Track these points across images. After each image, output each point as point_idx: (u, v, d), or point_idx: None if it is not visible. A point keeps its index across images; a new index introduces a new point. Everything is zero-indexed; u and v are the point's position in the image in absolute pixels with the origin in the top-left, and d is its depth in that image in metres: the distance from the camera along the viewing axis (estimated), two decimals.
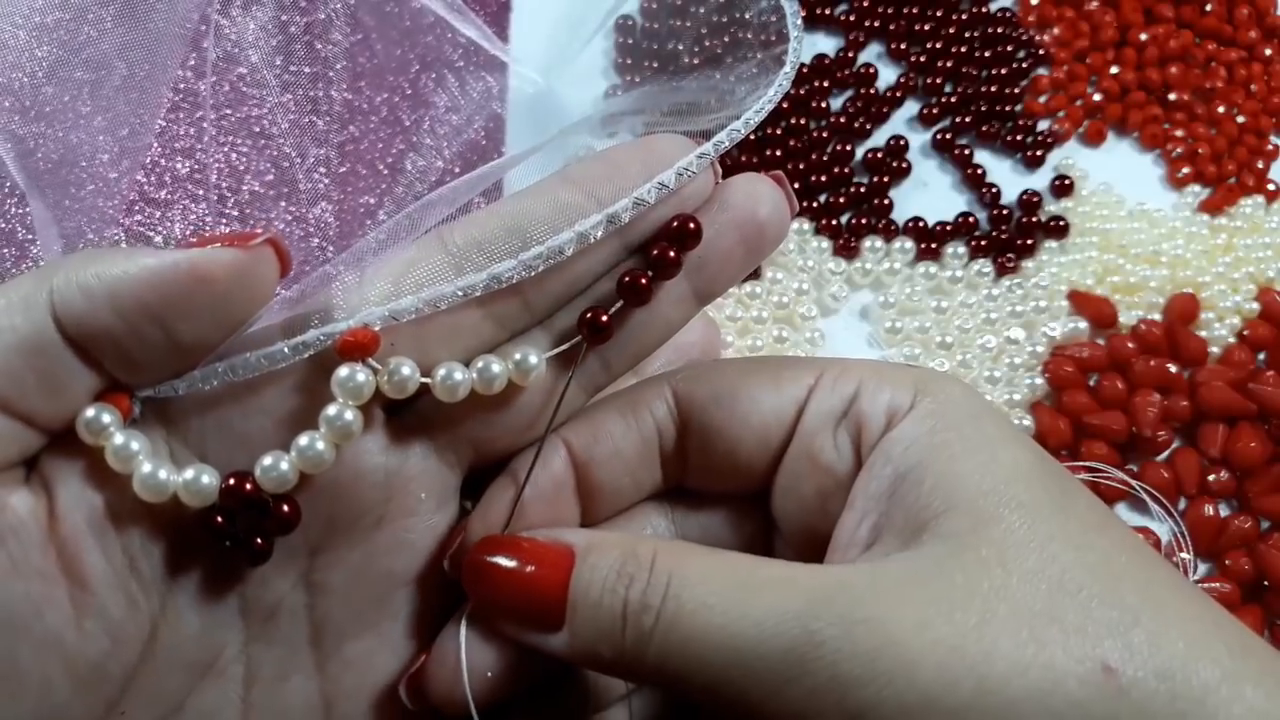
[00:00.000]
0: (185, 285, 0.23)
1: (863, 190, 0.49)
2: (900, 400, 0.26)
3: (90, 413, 0.23)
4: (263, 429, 0.25)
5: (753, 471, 0.28)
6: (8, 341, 0.22)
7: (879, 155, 0.49)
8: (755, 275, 0.46)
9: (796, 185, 0.48)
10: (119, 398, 0.24)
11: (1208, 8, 0.53)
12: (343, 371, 0.25)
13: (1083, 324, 0.46)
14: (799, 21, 0.31)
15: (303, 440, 0.25)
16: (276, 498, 0.25)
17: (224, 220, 0.45)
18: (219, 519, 0.25)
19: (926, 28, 0.53)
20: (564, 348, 0.26)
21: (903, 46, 0.52)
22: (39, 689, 0.23)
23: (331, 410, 0.25)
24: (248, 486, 0.24)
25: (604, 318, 0.26)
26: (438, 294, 0.25)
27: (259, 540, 0.25)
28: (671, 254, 0.26)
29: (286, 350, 0.24)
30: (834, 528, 0.26)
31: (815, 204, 0.49)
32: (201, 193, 0.45)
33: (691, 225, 0.26)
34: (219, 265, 0.23)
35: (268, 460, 0.25)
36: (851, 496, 0.26)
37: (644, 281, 0.26)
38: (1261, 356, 0.46)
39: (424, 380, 0.25)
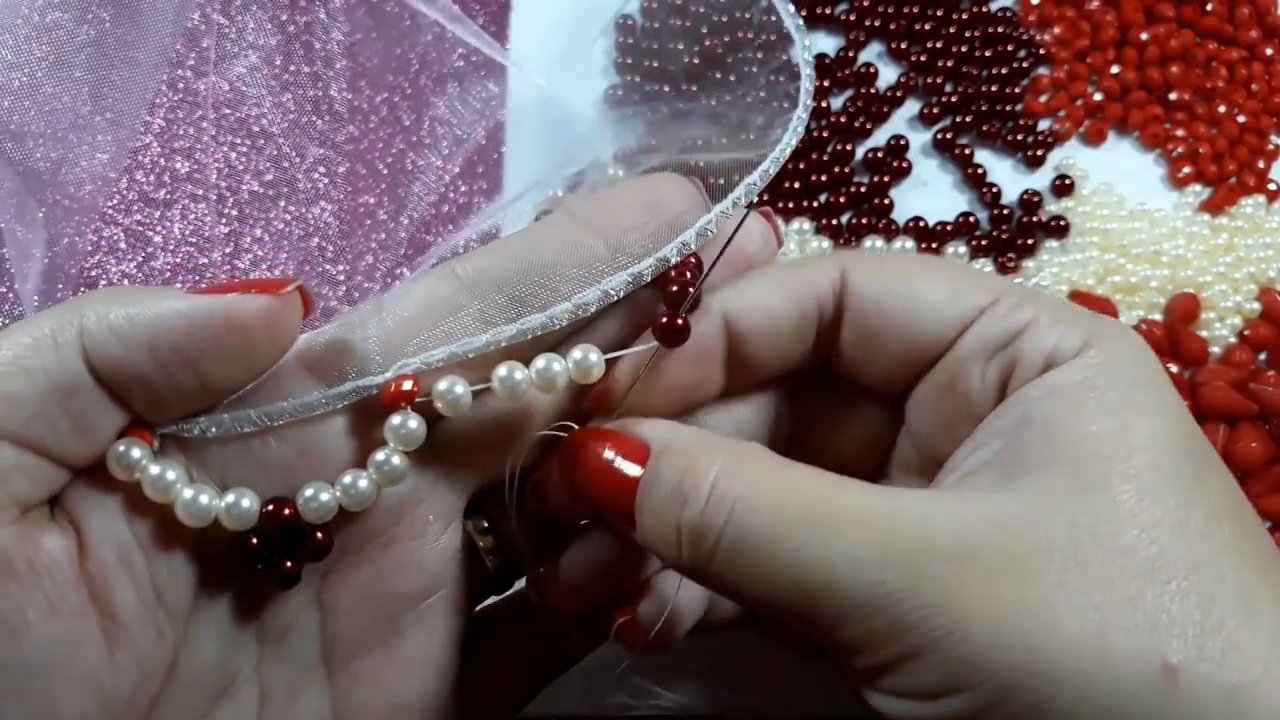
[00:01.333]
0: (219, 332, 0.24)
1: (863, 190, 0.49)
2: (1066, 347, 0.25)
3: (121, 448, 0.24)
4: (282, 456, 0.26)
5: (900, 374, 0.27)
6: (41, 385, 0.23)
7: (879, 155, 0.49)
8: None
9: (796, 185, 0.48)
10: (142, 433, 0.25)
11: (1208, 7, 0.53)
12: (395, 419, 0.25)
13: None
14: (811, 72, 0.31)
15: (347, 478, 0.26)
16: (313, 526, 0.26)
17: (223, 220, 0.45)
18: (254, 541, 0.25)
19: (927, 27, 0.53)
20: (641, 349, 0.27)
21: (903, 46, 0.52)
22: None
23: (381, 455, 0.26)
24: (287, 512, 0.25)
25: (680, 321, 0.26)
26: (469, 345, 0.26)
27: (289, 564, 0.26)
28: (680, 322, 0.26)
29: (322, 400, 0.25)
30: (952, 451, 0.26)
31: (815, 204, 0.49)
32: (201, 192, 0.45)
33: (680, 322, 0.26)
34: (250, 313, 0.24)
35: (310, 491, 0.25)
36: (976, 431, 0.25)
37: (681, 323, 0.26)
38: (1262, 357, 0.46)
39: (484, 387, 0.26)
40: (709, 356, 0.27)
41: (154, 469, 0.24)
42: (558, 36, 0.51)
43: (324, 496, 0.25)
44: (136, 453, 0.24)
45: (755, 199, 0.28)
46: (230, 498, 0.25)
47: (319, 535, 0.26)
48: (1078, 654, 0.20)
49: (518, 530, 0.27)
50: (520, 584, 0.31)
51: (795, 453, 0.26)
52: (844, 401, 0.29)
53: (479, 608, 0.31)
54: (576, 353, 0.26)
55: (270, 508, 0.25)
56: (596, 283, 0.26)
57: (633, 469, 0.24)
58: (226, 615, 0.26)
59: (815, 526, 0.22)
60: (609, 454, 0.25)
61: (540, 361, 0.26)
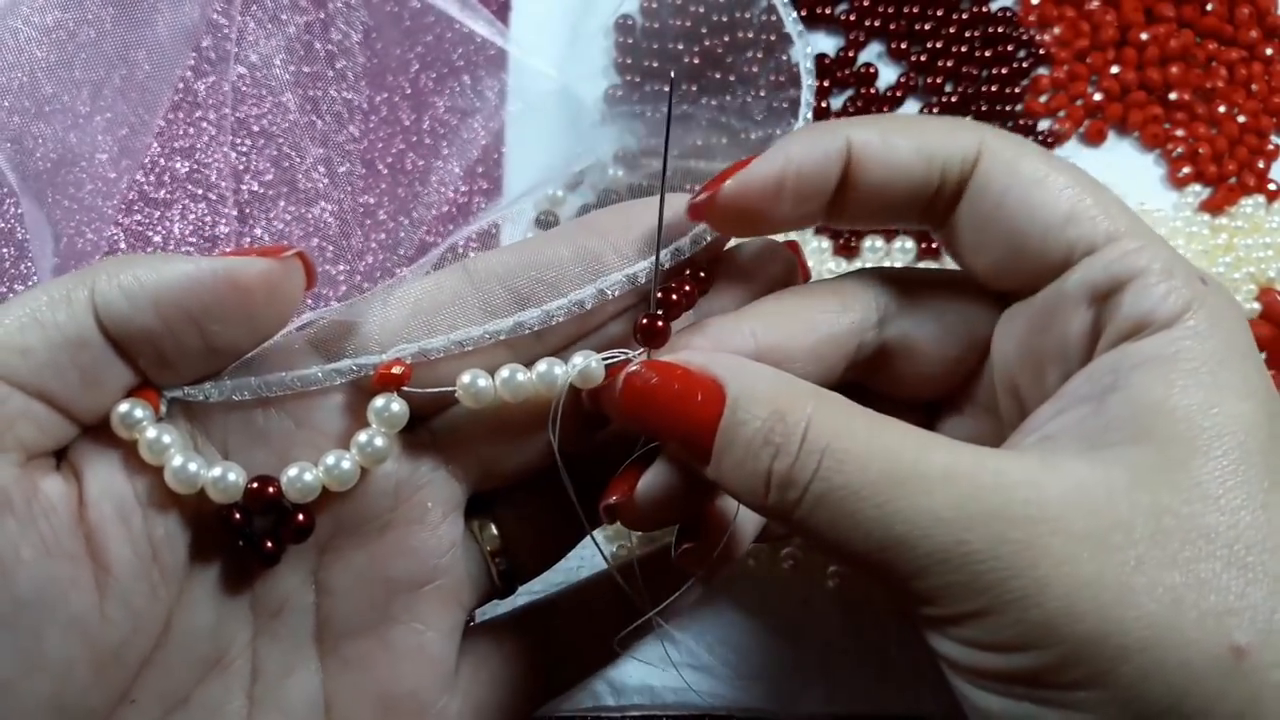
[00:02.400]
0: (222, 291, 0.25)
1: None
2: (1166, 310, 0.24)
3: (124, 407, 0.25)
4: (282, 426, 0.27)
5: (1001, 277, 0.27)
6: (52, 337, 0.24)
7: None
8: None
9: None
10: (149, 394, 0.26)
11: (1208, 7, 0.53)
12: (379, 401, 0.26)
13: None
14: (812, 82, 0.32)
15: (330, 459, 0.26)
16: (295, 506, 0.26)
17: (223, 220, 0.45)
18: (238, 515, 0.26)
19: (927, 27, 0.53)
20: (622, 356, 0.27)
21: (903, 46, 0.52)
22: (61, 671, 0.24)
23: (363, 436, 0.26)
24: (270, 490, 0.26)
25: (659, 323, 0.26)
26: (466, 335, 0.26)
27: (270, 544, 0.26)
28: (661, 324, 0.27)
29: (320, 375, 0.26)
30: (1037, 397, 0.26)
31: None
32: (201, 192, 0.45)
33: (661, 325, 0.27)
34: (253, 274, 0.25)
35: (294, 470, 0.26)
36: (1063, 389, 0.25)
37: (660, 325, 0.27)
38: (1263, 356, 0.46)
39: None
40: (824, 171, 0.26)
41: (151, 432, 0.25)
42: (558, 36, 0.51)
43: (307, 476, 0.26)
44: (139, 413, 0.25)
45: None
46: (218, 470, 0.25)
47: (300, 517, 0.26)
48: (1150, 630, 0.21)
49: (571, 492, 0.27)
50: (521, 588, 0.31)
51: (875, 377, 0.28)
52: (933, 316, 0.29)
53: (488, 618, 0.32)
54: (578, 358, 0.26)
55: (255, 485, 0.26)
56: (593, 281, 0.27)
57: (709, 410, 0.24)
58: (222, 584, 0.27)
59: (901, 484, 0.22)
60: (682, 391, 0.24)
61: (541, 365, 0.26)
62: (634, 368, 0.26)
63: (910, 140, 0.26)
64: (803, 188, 0.26)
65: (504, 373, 0.26)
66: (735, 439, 0.24)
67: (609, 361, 0.27)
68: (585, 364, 0.26)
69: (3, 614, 0.23)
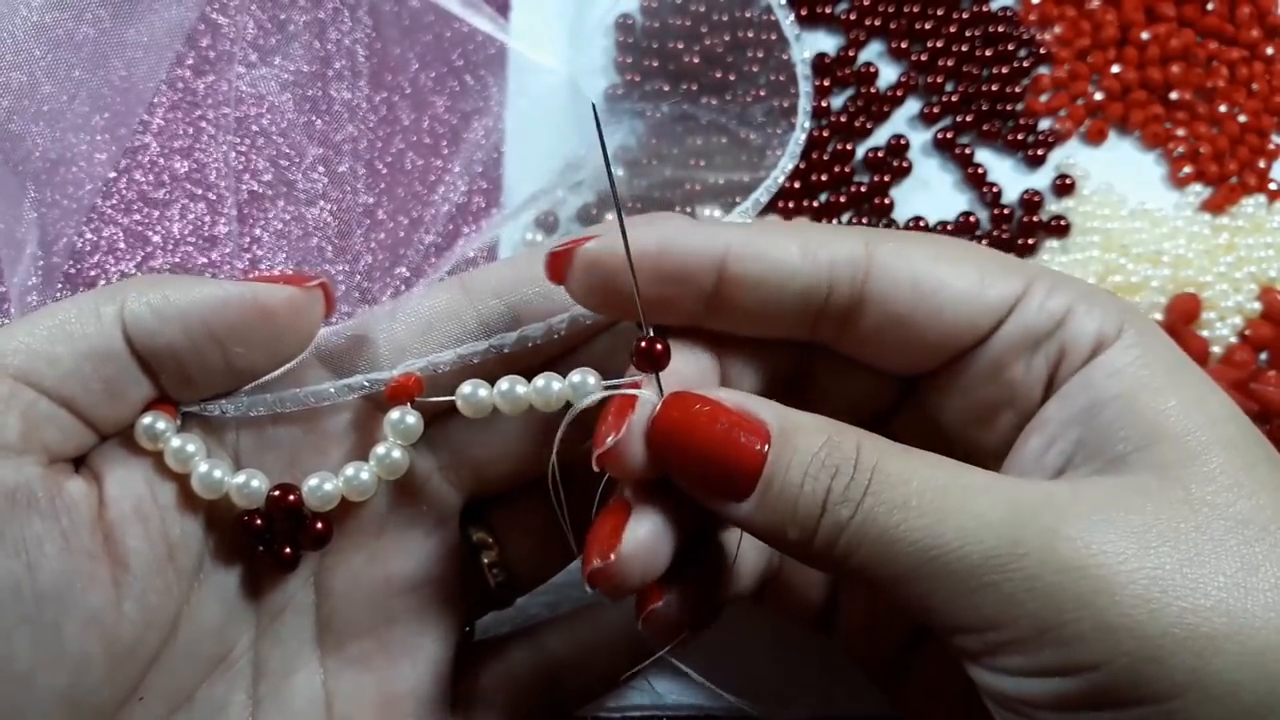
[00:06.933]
0: (248, 313, 0.26)
1: (863, 190, 0.49)
2: (1109, 328, 0.25)
3: (147, 420, 0.26)
4: (290, 434, 0.28)
5: (925, 361, 0.27)
6: (80, 348, 0.25)
7: (880, 154, 0.49)
8: None
9: (797, 184, 0.48)
10: (167, 408, 0.27)
11: (1209, 7, 0.53)
12: (394, 414, 0.27)
13: None
14: (809, 88, 0.32)
15: (350, 470, 0.27)
16: (314, 513, 0.27)
17: (223, 219, 0.45)
18: (259, 521, 0.27)
19: (927, 26, 0.52)
20: (621, 381, 0.26)
21: (903, 45, 0.52)
22: (78, 665, 0.24)
23: (381, 449, 0.27)
24: (291, 498, 0.27)
25: (659, 346, 0.26)
26: (472, 350, 0.27)
27: (288, 550, 0.27)
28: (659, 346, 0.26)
29: (333, 391, 0.27)
30: (991, 440, 0.26)
31: (815, 204, 0.48)
32: (200, 192, 0.45)
33: (659, 346, 0.26)
34: (279, 299, 0.26)
35: (314, 480, 0.27)
36: (1040, 419, 0.25)
37: (660, 348, 0.26)
38: (1264, 356, 0.46)
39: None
40: (693, 280, 0.25)
41: (175, 441, 0.26)
42: (558, 35, 0.50)
43: (328, 486, 0.27)
44: (161, 425, 0.26)
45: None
46: (242, 478, 0.27)
47: (319, 525, 0.27)
48: (1227, 618, 0.21)
49: (563, 517, 0.27)
50: (532, 593, 0.31)
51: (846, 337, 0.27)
52: (834, 377, 0.28)
53: (492, 635, 0.32)
54: (575, 376, 0.26)
55: (277, 492, 0.27)
56: None
57: (752, 445, 0.24)
58: (230, 585, 0.28)
59: (945, 495, 0.22)
60: (728, 426, 0.24)
61: (540, 380, 0.27)
62: (656, 400, 0.25)
63: (794, 239, 0.26)
64: (674, 264, 0.25)
65: (503, 385, 0.26)
66: (791, 467, 0.23)
67: (610, 385, 0.26)
68: (583, 380, 0.26)
69: (25, 608, 0.23)
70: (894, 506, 0.22)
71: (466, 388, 0.26)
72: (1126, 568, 0.21)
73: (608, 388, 0.26)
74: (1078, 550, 0.21)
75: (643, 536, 0.24)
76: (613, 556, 0.24)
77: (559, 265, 0.26)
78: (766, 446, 0.24)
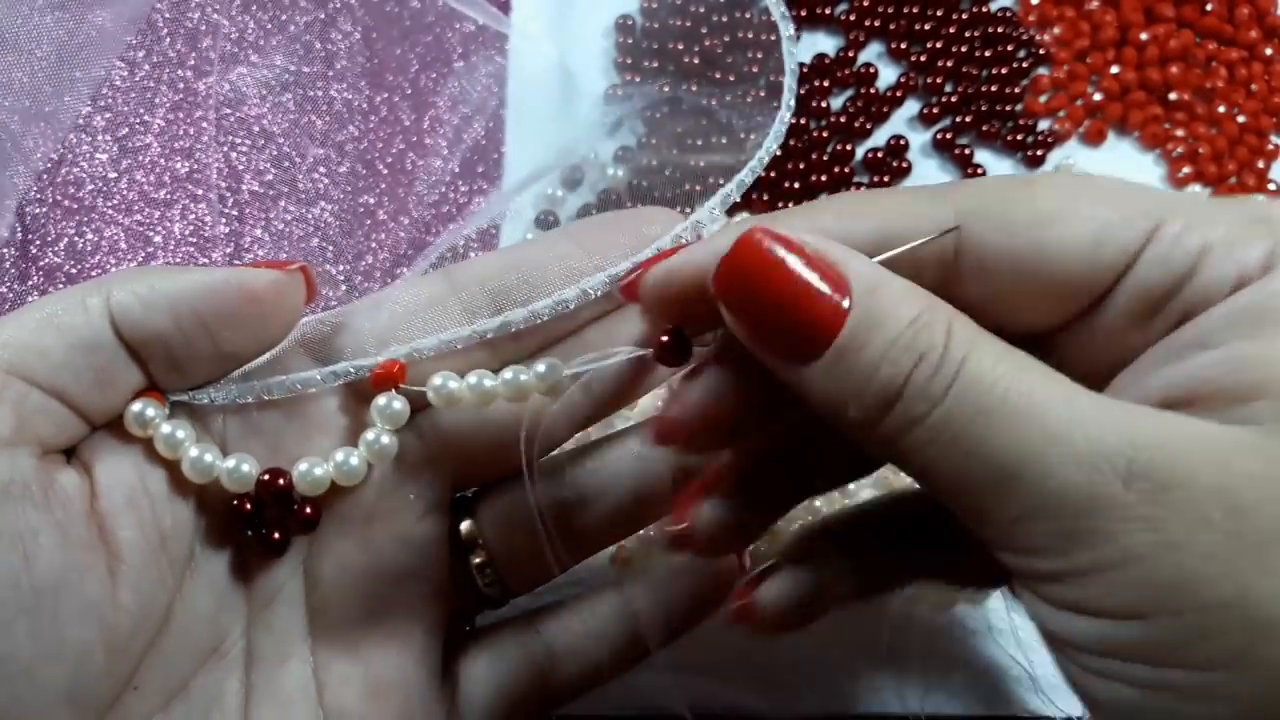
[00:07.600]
0: (234, 298, 0.26)
1: (863, 190, 0.49)
2: (1252, 259, 0.22)
3: (137, 407, 0.26)
4: (274, 420, 0.28)
5: (1042, 323, 0.24)
6: (69, 339, 0.25)
7: (879, 155, 0.49)
8: None
9: (797, 185, 0.48)
10: (155, 396, 0.27)
11: (1208, 7, 0.53)
12: (381, 400, 0.28)
13: None
14: (793, 83, 0.32)
15: (339, 455, 0.28)
16: (303, 498, 0.28)
17: (223, 220, 0.45)
18: (248, 505, 0.27)
19: (927, 27, 0.53)
20: (610, 360, 0.27)
21: (903, 46, 0.52)
22: (77, 657, 0.24)
23: (370, 434, 0.28)
24: (281, 482, 0.27)
25: (681, 337, 0.26)
26: (455, 336, 0.28)
27: (276, 535, 0.28)
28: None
29: (319, 378, 0.28)
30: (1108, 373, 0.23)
31: None
32: (201, 192, 0.45)
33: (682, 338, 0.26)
34: (263, 283, 0.27)
35: (304, 465, 0.27)
36: (1153, 349, 0.23)
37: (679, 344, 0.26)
38: None
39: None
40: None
41: (165, 427, 0.26)
42: (558, 35, 0.51)
43: (318, 471, 0.27)
44: (151, 411, 0.26)
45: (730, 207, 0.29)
46: (232, 462, 0.27)
47: (308, 510, 0.28)
48: None
49: (541, 523, 0.27)
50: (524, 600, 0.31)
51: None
52: None
53: (488, 622, 0.32)
54: (540, 365, 0.27)
55: (266, 477, 0.27)
56: (575, 282, 0.28)
57: (831, 300, 0.21)
58: (221, 572, 0.28)
59: (1042, 406, 0.20)
60: (806, 272, 0.21)
61: (508, 373, 0.27)
62: (747, 232, 0.22)
63: (872, 220, 0.24)
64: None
65: (471, 378, 0.27)
66: (869, 339, 0.21)
67: (575, 369, 0.27)
68: (549, 369, 0.27)
69: (24, 600, 0.24)
70: (976, 413, 0.20)
71: (437, 379, 0.27)
72: (1199, 528, 0.19)
73: (591, 360, 0.27)
74: (1154, 503, 0.19)
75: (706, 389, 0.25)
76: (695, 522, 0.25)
77: (632, 294, 0.27)
78: (848, 302, 0.21)
